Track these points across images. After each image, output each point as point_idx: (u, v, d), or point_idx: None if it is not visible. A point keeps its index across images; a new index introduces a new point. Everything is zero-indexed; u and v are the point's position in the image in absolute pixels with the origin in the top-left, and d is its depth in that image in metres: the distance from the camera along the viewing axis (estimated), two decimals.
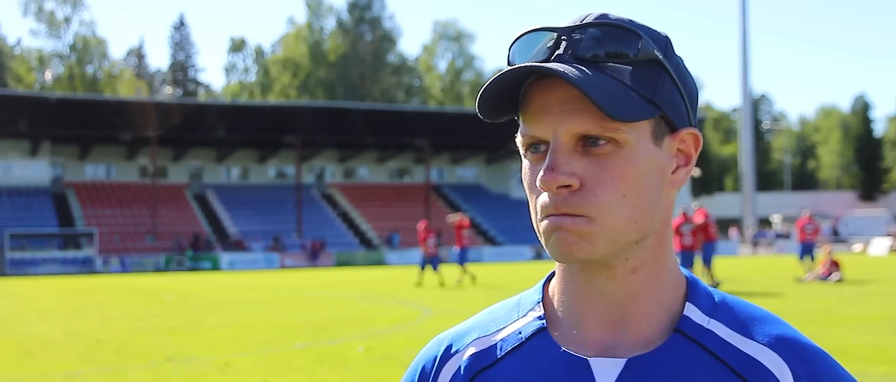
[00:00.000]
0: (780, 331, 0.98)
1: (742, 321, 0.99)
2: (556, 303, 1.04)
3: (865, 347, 9.12)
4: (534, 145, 0.96)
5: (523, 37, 0.97)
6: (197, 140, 50.18)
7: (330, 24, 79.91)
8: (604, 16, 0.95)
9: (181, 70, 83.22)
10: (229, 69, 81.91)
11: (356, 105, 51.04)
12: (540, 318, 1.04)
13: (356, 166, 59.40)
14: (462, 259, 23.37)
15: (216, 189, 54.03)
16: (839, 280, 20.11)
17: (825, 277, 20.52)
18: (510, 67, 0.93)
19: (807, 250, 21.99)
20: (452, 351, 1.07)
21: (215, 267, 41.53)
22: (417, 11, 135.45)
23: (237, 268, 41.14)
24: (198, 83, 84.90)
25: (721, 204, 76.20)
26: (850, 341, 9.47)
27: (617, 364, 0.96)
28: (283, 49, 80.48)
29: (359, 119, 47.54)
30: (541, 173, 0.92)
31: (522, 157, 0.99)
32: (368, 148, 54.78)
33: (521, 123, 0.97)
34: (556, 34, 0.95)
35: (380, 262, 44.18)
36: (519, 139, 0.98)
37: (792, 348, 0.96)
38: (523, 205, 57.62)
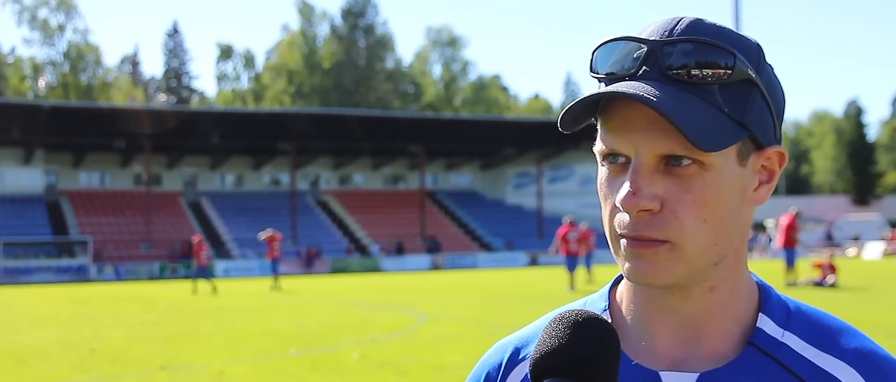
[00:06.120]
0: (857, 344, 0.95)
1: (818, 332, 0.96)
2: (623, 311, 1.01)
3: None
4: (612, 156, 0.92)
5: (608, 44, 0.93)
6: (191, 147, 50.13)
7: (324, 30, 79.96)
8: (695, 26, 0.91)
9: (175, 77, 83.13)
10: (220, 78, 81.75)
11: (350, 112, 51.09)
12: None
13: (351, 173, 59.36)
14: (273, 270, 27.11)
15: (210, 197, 53.94)
16: (833, 285, 20.15)
17: (820, 281, 20.55)
18: (600, 91, 0.89)
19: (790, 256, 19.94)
20: (520, 357, 1.04)
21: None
22: (410, 17, 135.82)
23: (232, 275, 41.06)
24: (192, 90, 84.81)
25: None
26: None
27: (688, 379, 0.93)
28: (278, 56, 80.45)
29: (353, 126, 47.56)
30: (623, 193, 0.89)
31: (599, 164, 0.96)
32: (363, 155, 54.77)
33: (600, 128, 0.94)
34: (645, 47, 0.90)
35: (375, 269, 44.14)
36: (597, 147, 0.94)
37: (870, 361, 0.93)
38: (518, 211, 57.78)
